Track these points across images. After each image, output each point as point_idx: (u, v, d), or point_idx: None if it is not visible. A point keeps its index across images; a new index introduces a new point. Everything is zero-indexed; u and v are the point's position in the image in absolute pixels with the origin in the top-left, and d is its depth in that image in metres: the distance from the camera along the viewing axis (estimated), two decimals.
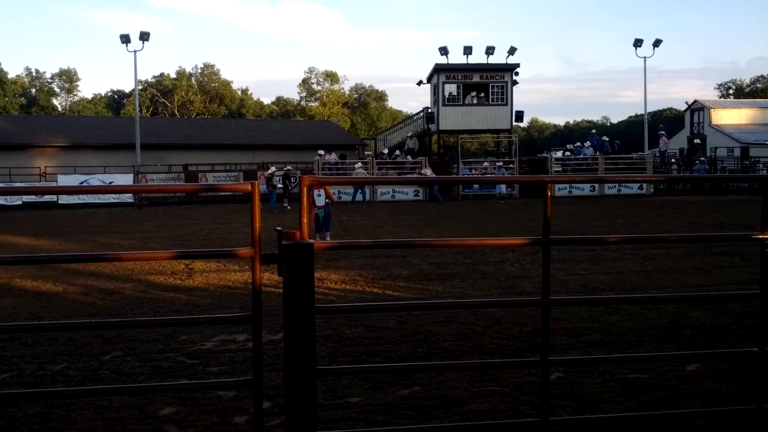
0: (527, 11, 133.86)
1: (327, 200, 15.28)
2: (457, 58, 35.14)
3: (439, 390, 5.40)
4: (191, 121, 55.92)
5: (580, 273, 10.85)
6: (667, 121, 66.79)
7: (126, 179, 31.24)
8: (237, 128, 44.86)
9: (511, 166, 32.36)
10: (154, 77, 75.85)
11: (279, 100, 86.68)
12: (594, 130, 41.45)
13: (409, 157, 33.41)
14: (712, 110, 48.71)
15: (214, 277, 11.00)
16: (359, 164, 30.96)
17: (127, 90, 77.42)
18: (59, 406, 5.09)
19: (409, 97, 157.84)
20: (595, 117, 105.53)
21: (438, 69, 34.50)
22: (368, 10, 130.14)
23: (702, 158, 35.22)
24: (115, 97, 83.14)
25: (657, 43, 37.55)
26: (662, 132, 39.17)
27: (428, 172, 30.76)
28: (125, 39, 34.04)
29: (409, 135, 35.93)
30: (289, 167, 29.39)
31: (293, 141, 41.33)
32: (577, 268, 11.30)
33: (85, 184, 30.17)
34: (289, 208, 26.15)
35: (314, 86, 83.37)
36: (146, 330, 7.25)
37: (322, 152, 32.45)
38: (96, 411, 5.03)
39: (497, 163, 32.05)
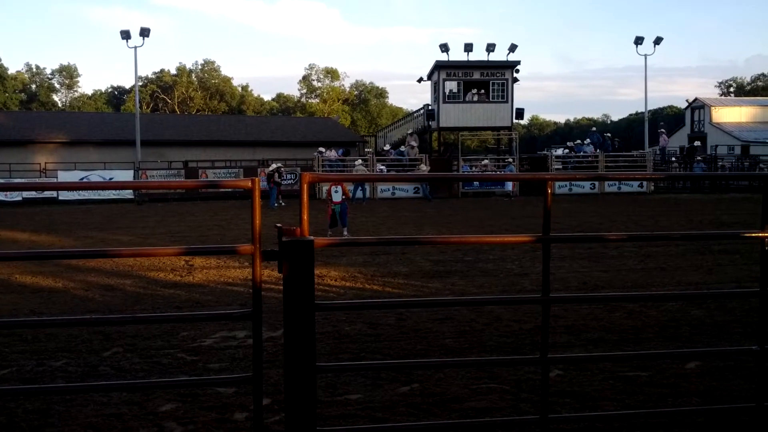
0: (525, 9, 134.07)
1: (343, 196, 16.00)
2: (457, 55, 35.14)
3: (439, 387, 5.40)
4: (191, 117, 55.95)
5: (580, 270, 10.85)
6: (667, 119, 66.82)
7: (126, 175, 31.22)
8: (237, 125, 44.82)
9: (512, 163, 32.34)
10: (155, 73, 75.86)
11: (279, 97, 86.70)
12: (594, 128, 41.39)
13: (414, 146, 32.77)
14: (713, 108, 48.68)
15: (214, 273, 11.00)
16: (359, 161, 30.93)
17: (128, 86, 77.47)
18: (59, 402, 5.09)
19: (410, 94, 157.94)
20: (596, 115, 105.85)
21: (438, 66, 34.44)
22: (366, 8, 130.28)
23: (699, 157, 35.17)
24: (116, 93, 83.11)
25: (658, 40, 37.45)
26: (662, 130, 39.14)
27: (425, 169, 30.68)
28: (125, 35, 33.98)
29: (409, 132, 35.88)
30: (279, 164, 28.46)
31: (293, 138, 41.26)
32: (577, 265, 11.30)
33: (85, 180, 30.12)
34: (281, 206, 25.83)
35: (314, 83, 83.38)
36: (146, 326, 7.25)
37: (322, 149, 32.41)
38: (96, 407, 5.04)
39: (507, 159, 31.90)
